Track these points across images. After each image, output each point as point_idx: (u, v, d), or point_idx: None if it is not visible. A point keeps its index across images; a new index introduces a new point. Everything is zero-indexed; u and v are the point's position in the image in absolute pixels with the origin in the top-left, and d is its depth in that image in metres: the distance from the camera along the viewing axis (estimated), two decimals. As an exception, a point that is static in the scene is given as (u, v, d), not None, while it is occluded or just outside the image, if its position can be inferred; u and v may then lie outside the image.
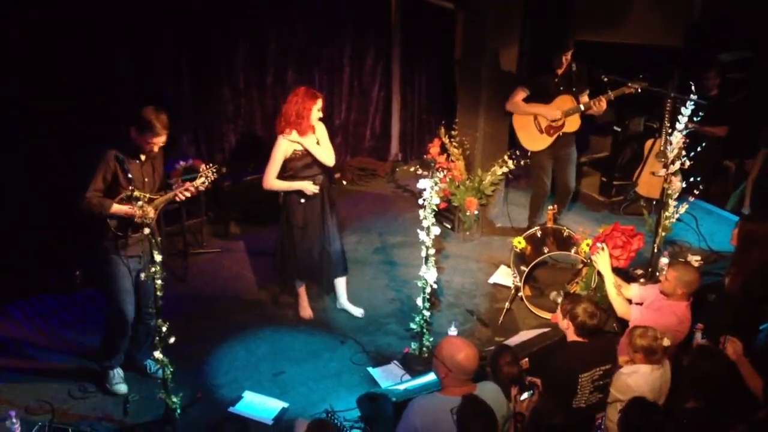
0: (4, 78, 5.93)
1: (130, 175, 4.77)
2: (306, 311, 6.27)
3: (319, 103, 5.69)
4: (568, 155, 7.10)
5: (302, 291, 6.28)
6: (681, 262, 5.51)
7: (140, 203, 4.61)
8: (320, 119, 5.77)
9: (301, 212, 5.85)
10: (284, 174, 5.75)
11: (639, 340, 4.51)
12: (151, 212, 4.69)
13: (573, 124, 6.92)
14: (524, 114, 6.94)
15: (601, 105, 6.76)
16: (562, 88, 6.82)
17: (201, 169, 5.14)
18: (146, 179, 5.02)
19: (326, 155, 5.79)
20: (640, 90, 6.56)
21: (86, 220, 4.94)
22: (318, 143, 5.78)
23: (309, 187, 5.74)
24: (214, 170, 5.14)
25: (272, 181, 5.73)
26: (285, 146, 5.70)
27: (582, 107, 6.81)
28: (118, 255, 5.04)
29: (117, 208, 4.88)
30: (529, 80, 6.99)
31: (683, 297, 5.02)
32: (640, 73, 6.72)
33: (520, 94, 6.87)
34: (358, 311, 6.30)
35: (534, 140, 6.97)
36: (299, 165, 5.75)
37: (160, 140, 4.90)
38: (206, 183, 5.14)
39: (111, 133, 4.97)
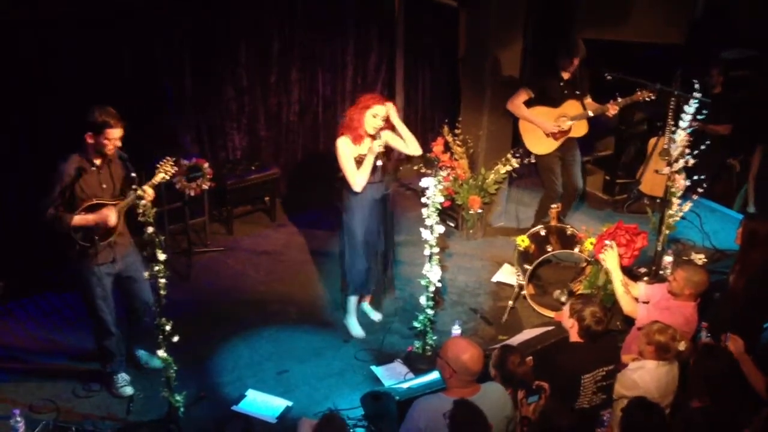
0: (8, 77, 5.94)
1: (84, 186, 4.81)
2: (359, 330, 6.08)
3: (375, 109, 5.44)
4: (573, 157, 7.07)
5: (354, 306, 6.11)
6: (690, 263, 5.51)
7: (143, 202, 4.60)
8: (388, 127, 5.55)
9: (360, 215, 5.68)
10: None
11: (657, 335, 4.48)
12: (150, 211, 4.66)
13: (580, 129, 6.87)
14: (522, 118, 6.89)
15: (610, 112, 6.70)
16: (566, 93, 6.77)
17: (158, 166, 4.97)
18: (104, 185, 4.94)
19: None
20: (650, 98, 6.49)
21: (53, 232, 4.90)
22: (384, 153, 5.56)
23: (374, 145, 5.45)
24: (172, 163, 5.00)
25: (356, 177, 5.51)
26: (346, 147, 5.52)
27: (591, 113, 6.76)
28: (88, 264, 5.00)
29: (79, 219, 4.83)
30: (534, 83, 6.91)
31: (691, 297, 5.01)
32: (643, 71, 6.70)
33: (522, 96, 6.81)
34: (377, 315, 6.27)
35: (539, 144, 6.93)
36: None
37: (119, 133, 4.79)
38: (165, 178, 4.99)
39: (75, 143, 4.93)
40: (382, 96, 5.63)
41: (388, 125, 5.54)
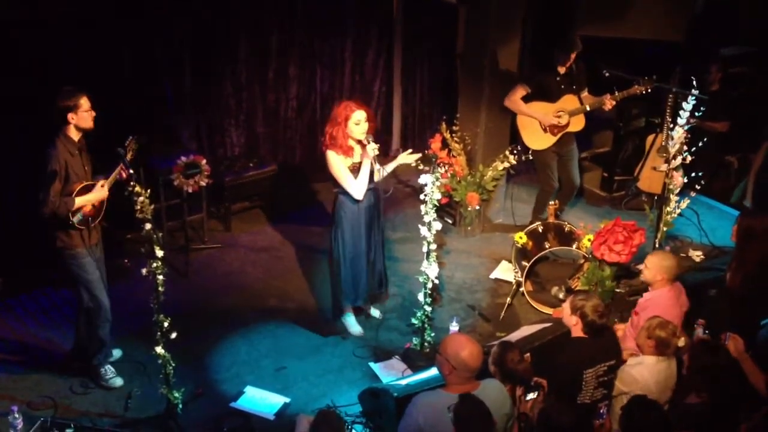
0: (8, 77, 5.94)
1: (75, 169, 4.95)
2: (357, 327, 6.08)
3: (355, 117, 5.37)
4: (570, 152, 7.08)
5: (349, 309, 6.09)
6: (659, 249, 5.53)
7: (141, 198, 4.61)
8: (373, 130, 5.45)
9: (349, 220, 5.66)
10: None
11: (658, 330, 4.48)
12: (149, 208, 4.67)
13: (578, 123, 6.88)
14: (520, 114, 6.92)
15: (607, 106, 6.72)
16: (563, 87, 6.79)
17: (126, 144, 5.06)
18: (86, 167, 5.09)
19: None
20: (647, 91, 6.51)
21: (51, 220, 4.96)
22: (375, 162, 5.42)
23: (369, 149, 5.35)
24: (135, 141, 5.13)
25: (355, 186, 5.50)
26: (337, 158, 5.47)
27: (588, 108, 6.77)
28: (84, 246, 5.10)
29: (81, 200, 4.95)
30: (530, 78, 6.92)
31: (664, 283, 5.03)
32: (642, 68, 6.70)
33: (520, 92, 6.82)
34: (376, 312, 6.28)
35: (537, 139, 6.94)
36: None
37: (88, 101, 4.98)
38: (133, 155, 5.10)
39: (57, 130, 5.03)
40: (354, 102, 5.55)
41: (373, 125, 5.52)
